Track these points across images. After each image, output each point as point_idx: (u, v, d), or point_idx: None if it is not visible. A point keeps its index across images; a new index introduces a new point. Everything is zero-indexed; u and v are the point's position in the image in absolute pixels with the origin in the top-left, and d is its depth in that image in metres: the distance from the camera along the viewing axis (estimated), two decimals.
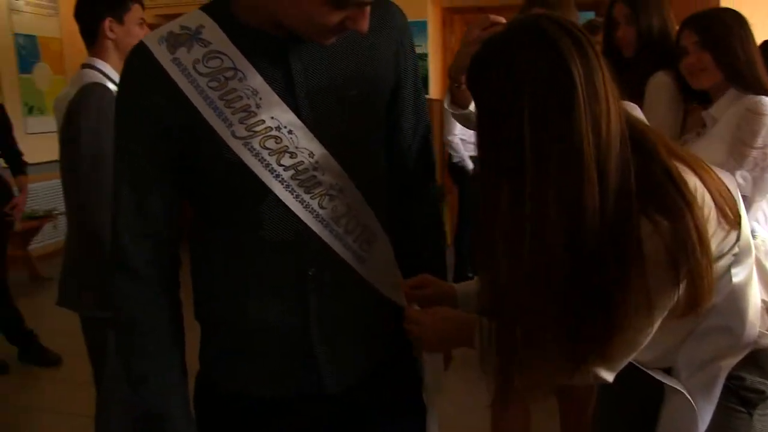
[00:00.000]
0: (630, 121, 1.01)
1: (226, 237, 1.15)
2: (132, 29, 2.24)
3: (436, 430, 1.34)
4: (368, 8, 1.01)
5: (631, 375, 1.16)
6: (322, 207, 1.11)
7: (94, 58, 2.23)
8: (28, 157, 4.19)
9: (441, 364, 1.34)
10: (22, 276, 5.62)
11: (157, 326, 1.13)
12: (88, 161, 2.05)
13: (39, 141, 5.90)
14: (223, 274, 1.16)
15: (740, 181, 1.76)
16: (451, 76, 1.62)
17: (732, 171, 1.75)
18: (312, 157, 1.09)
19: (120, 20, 2.22)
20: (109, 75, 2.19)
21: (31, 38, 6.20)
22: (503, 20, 1.40)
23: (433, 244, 1.38)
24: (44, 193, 5.92)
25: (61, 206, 5.65)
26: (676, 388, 1.18)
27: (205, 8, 1.09)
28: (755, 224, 1.90)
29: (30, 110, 6.14)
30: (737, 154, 1.79)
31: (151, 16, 6.10)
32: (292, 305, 1.13)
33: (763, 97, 1.81)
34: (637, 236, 0.95)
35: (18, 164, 4.02)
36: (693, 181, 1.01)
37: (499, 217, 0.99)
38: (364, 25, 1.01)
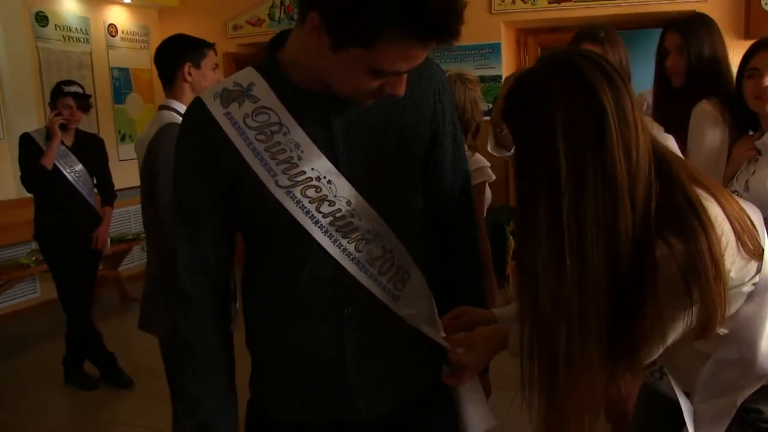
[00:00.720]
0: (656, 148, 1.07)
1: (272, 274, 1.28)
2: (207, 73, 2.48)
3: None
4: (405, 75, 1.11)
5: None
6: (358, 250, 1.22)
7: (172, 100, 2.46)
8: (120, 182, 4.48)
9: (482, 395, 1.40)
10: (113, 297, 6.00)
11: (210, 353, 1.27)
12: (167, 192, 2.23)
13: (130, 167, 6.27)
14: (268, 307, 1.29)
15: None
16: (493, 123, 1.72)
17: None
18: (349, 205, 1.20)
19: (197, 65, 2.46)
20: (179, 111, 2.40)
21: (124, 71, 6.65)
22: None
23: (471, 278, 1.45)
24: (135, 216, 6.24)
25: None
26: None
27: (257, 67, 1.23)
28: None
29: (122, 138, 6.56)
30: None
31: (234, 46, 6.44)
32: (329, 338, 1.25)
33: None
34: (652, 258, 1.01)
35: (109, 196, 4.29)
36: (714, 209, 1.05)
37: (539, 243, 1.05)
38: (401, 90, 1.13)
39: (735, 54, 4.87)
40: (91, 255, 4.12)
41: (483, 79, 5.96)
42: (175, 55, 2.46)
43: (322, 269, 1.22)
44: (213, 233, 1.25)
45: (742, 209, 1.12)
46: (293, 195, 1.18)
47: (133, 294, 5.96)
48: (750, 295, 1.13)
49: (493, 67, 5.96)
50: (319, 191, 1.19)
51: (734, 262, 1.07)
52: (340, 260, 1.21)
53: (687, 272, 1.00)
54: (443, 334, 1.35)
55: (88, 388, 4.08)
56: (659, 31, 2.40)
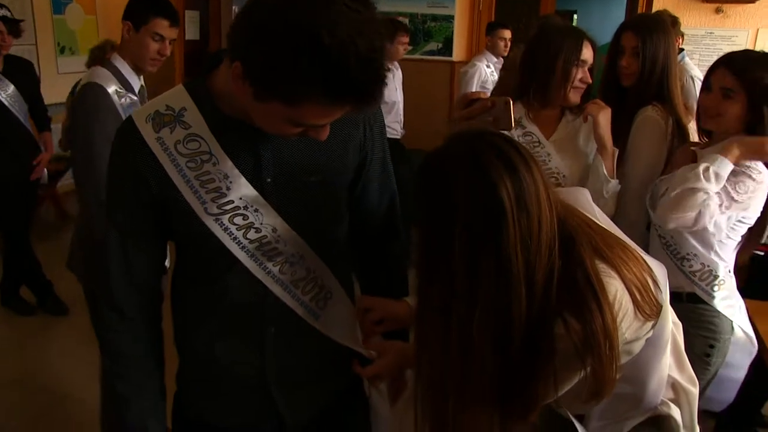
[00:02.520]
0: (562, 221, 1.10)
1: (200, 290, 1.32)
2: (144, 40, 2.34)
3: None
4: (328, 124, 1.13)
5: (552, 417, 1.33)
6: (282, 273, 1.27)
7: (116, 55, 2.39)
8: (60, 96, 4.32)
9: (385, 406, 1.50)
10: (50, 214, 5.91)
11: (140, 358, 1.32)
12: (80, 160, 2.25)
13: (71, 80, 6.06)
14: (195, 319, 1.35)
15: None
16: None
17: None
18: (275, 232, 1.25)
19: (136, 29, 2.34)
20: (123, 73, 2.35)
21: None
22: (481, 94, 1.55)
23: (398, 289, 1.51)
24: None
25: None
26: None
27: (188, 87, 1.23)
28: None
29: (62, 50, 6.29)
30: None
31: None
32: (253, 353, 1.32)
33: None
34: (550, 335, 1.07)
35: (44, 121, 4.18)
36: (613, 286, 1.09)
37: (430, 315, 1.11)
38: (323, 136, 1.14)
39: (690, 13, 4.97)
40: (30, 180, 4.04)
41: (435, 17, 5.91)
42: (127, 9, 2.36)
43: (248, 291, 1.28)
44: (144, 250, 1.29)
45: (646, 270, 1.18)
46: (221, 222, 1.22)
47: (70, 211, 5.89)
48: (646, 342, 1.22)
49: (446, 7, 5.88)
50: (246, 219, 1.23)
51: (630, 326, 1.14)
52: (265, 282, 1.26)
53: (582, 349, 1.07)
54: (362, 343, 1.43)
55: (24, 314, 4.11)
56: None
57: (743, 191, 1.88)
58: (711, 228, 1.92)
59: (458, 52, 6.25)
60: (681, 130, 2.19)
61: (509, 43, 4.99)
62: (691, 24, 5.09)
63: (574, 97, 2.12)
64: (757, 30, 5.05)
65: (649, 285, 1.16)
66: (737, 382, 2.13)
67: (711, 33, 5.12)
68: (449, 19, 5.87)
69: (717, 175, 1.86)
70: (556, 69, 2.07)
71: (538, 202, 1.05)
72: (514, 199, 1.03)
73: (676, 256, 2.05)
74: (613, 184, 2.06)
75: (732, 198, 1.88)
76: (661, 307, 1.19)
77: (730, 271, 2.10)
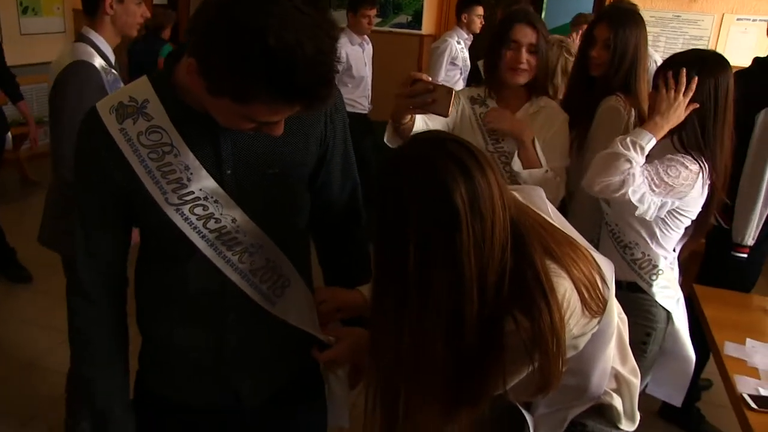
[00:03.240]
0: (515, 222, 1.13)
1: (162, 277, 1.35)
2: (130, 7, 2.38)
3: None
4: (282, 120, 1.15)
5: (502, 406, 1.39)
6: (242, 262, 1.30)
7: (90, 30, 2.35)
8: (23, 58, 4.23)
9: (345, 391, 1.54)
10: (13, 178, 5.82)
11: (105, 340, 1.36)
12: (66, 137, 2.22)
13: (34, 41, 5.94)
14: (157, 304, 1.38)
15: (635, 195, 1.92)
16: (392, 118, 1.84)
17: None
18: (234, 222, 1.27)
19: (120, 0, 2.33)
20: (102, 49, 2.33)
21: None
22: (424, 77, 1.64)
23: (359, 278, 1.53)
24: (38, 95, 5.98)
25: None
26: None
27: (152, 79, 1.25)
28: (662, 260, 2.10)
29: (24, 11, 6.13)
30: (648, 176, 1.94)
31: None
32: (212, 338, 1.35)
33: (691, 158, 1.94)
34: (501, 331, 1.11)
35: (16, 91, 4.09)
36: (562, 285, 1.13)
37: (385, 313, 1.15)
38: (278, 132, 1.16)
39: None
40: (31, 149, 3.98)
41: None
42: None
43: (208, 279, 1.30)
44: (109, 237, 1.32)
45: (594, 268, 1.22)
46: (182, 212, 1.24)
47: (33, 176, 5.82)
48: (591, 336, 1.27)
49: None
50: (207, 209, 1.25)
51: (577, 323, 1.19)
52: (224, 270, 1.29)
53: (530, 346, 1.11)
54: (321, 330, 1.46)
55: None
56: None
57: (674, 174, 1.92)
58: (642, 207, 1.96)
59: (428, 26, 6.24)
60: (642, 122, 2.23)
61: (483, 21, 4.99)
62: (660, 6, 5.13)
63: (512, 78, 2.16)
64: (722, 15, 5.11)
65: (596, 282, 1.21)
66: (686, 374, 2.23)
67: (678, 16, 5.16)
68: None
69: (636, 145, 1.91)
70: (493, 51, 2.17)
71: (493, 206, 1.08)
72: (468, 205, 1.05)
73: (619, 243, 2.12)
74: (524, 175, 2.10)
75: (663, 180, 1.93)
76: (607, 302, 1.24)
77: (671, 264, 2.17)
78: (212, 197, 1.25)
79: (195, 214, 1.24)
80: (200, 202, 1.24)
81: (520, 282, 1.10)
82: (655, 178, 1.93)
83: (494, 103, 2.24)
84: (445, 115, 1.64)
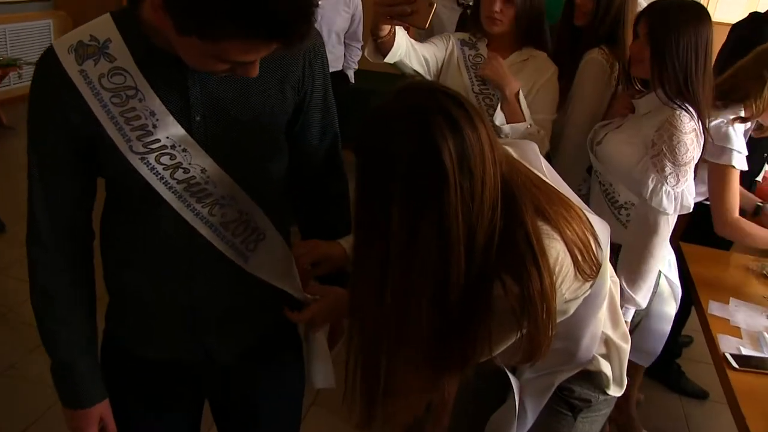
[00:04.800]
0: (506, 180, 1.06)
1: (128, 228, 1.27)
2: None
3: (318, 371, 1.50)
4: (257, 59, 1.05)
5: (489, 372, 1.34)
6: (212, 214, 1.22)
7: None
8: None
9: (325, 345, 1.48)
10: None
11: (64, 292, 1.27)
12: None
13: None
14: (123, 257, 1.30)
15: (665, 202, 1.85)
16: (371, 30, 1.78)
17: (645, 179, 1.85)
18: (204, 173, 1.19)
19: None
20: None
21: None
22: None
23: (341, 230, 1.47)
24: (10, 35, 5.78)
25: (27, 56, 5.57)
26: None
27: (115, 17, 1.14)
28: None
29: None
30: (659, 165, 1.85)
31: None
32: (181, 291, 1.28)
33: (683, 112, 1.85)
34: (488, 295, 1.06)
35: None
36: (554, 248, 1.08)
37: (367, 273, 1.08)
38: (253, 73, 1.07)
39: None
40: None
41: None
42: None
43: (176, 230, 1.22)
44: (67, 184, 1.22)
45: (588, 229, 1.17)
46: (147, 161, 1.15)
47: (8, 122, 5.65)
48: (583, 300, 1.22)
49: None
50: (174, 159, 1.17)
51: (570, 287, 1.14)
52: (192, 223, 1.21)
53: (519, 312, 1.06)
54: (299, 285, 1.40)
55: None
56: None
57: (684, 150, 1.85)
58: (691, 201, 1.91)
59: None
60: (628, 76, 2.15)
61: None
62: None
63: (488, 27, 2.13)
64: None
65: (590, 244, 1.15)
66: (663, 334, 2.19)
67: None
68: None
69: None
70: None
71: (483, 163, 1.01)
72: (456, 162, 0.99)
73: (614, 204, 2.05)
74: (506, 129, 2.05)
75: (680, 164, 1.85)
76: (601, 266, 1.19)
77: None
78: (180, 145, 1.16)
79: (161, 164, 1.16)
80: (167, 151, 1.16)
81: (510, 244, 1.04)
82: (673, 173, 1.85)
83: (484, 47, 2.20)
84: (423, 27, 1.58)
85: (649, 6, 1.98)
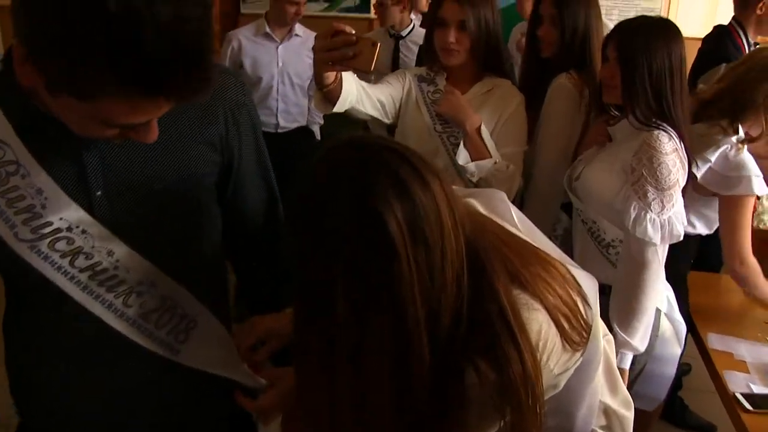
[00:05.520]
0: (471, 244, 0.89)
1: (31, 328, 1.10)
2: None
3: None
4: (153, 121, 0.88)
5: None
6: (127, 305, 1.04)
7: None
8: None
9: None
10: None
11: None
12: None
13: None
14: (29, 351, 1.12)
15: (650, 231, 1.69)
16: (315, 79, 1.66)
17: (627, 208, 1.70)
18: (112, 257, 1.01)
19: None
20: None
21: None
22: (347, 29, 1.45)
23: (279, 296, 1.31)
24: None
25: None
26: None
27: None
28: None
29: None
30: (640, 191, 1.70)
31: None
32: (103, 392, 1.10)
33: (661, 132, 1.71)
34: (461, 384, 0.88)
35: None
36: (538, 321, 0.92)
37: (310, 365, 0.91)
38: (150, 137, 0.89)
39: None
40: None
41: None
42: None
43: (86, 330, 1.04)
44: None
45: (574, 287, 1.00)
46: (39, 250, 0.97)
47: None
48: (574, 370, 1.04)
49: None
50: (72, 243, 0.98)
51: (558, 361, 0.97)
52: (104, 318, 1.03)
53: (499, 401, 0.88)
54: (249, 371, 1.22)
55: None
56: None
57: (666, 172, 1.69)
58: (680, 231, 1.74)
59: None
60: (599, 101, 2.00)
61: None
62: None
63: (444, 58, 1.99)
64: None
65: (578, 307, 0.98)
66: (669, 377, 2.00)
67: None
68: None
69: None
70: (428, 31, 2.04)
71: (440, 228, 0.84)
72: (407, 231, 0.81)
73: (601, 243, 1.89)
74: (471, 167, 1.91)
75: (664, 188, 1.69)
76: (592, 328, 1.01)
77: None
78: (78, 227, 0.98)
79: (57, 251, 0.97)
80: (63, 235, 0.97)
81: (482, 322, 0.87)
82: (657, 199, 1.69)
83: (443, 81, 2.06)
84: (368, 71, 1.45)
85: (617, 27, 1.85)
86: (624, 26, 1.83)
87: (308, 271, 0.88)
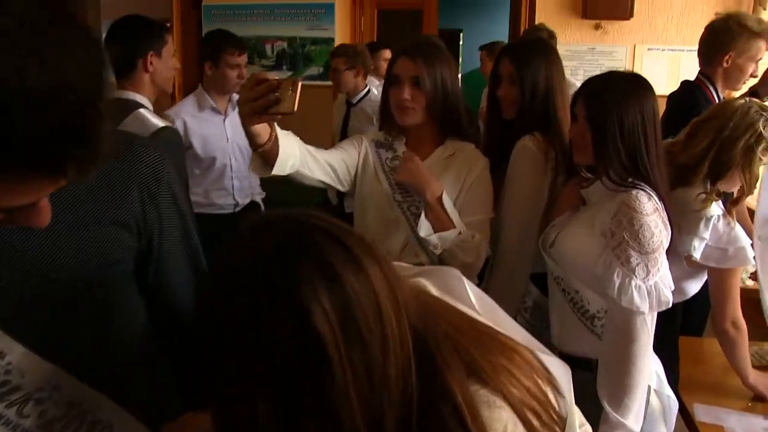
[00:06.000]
0: (420, 335, 0.78)
1: None
2: (168, 61, 2.34)
3: None
4: (43, 202, 0.75)
5: None
6: (22, 416, 0.89)
7: (129, 92, 2.24)
8: None
9: None
10: None
11: None
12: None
13: None
14: None
15: (637, 299, 1.57)
16: (249, 142, 1.56)
17: (609, 275, 1.58)
18: (2, 359, 0.87)
19: (159, 54, 2.29)
20: (147, 107, 2.25)
21: None
22: (269, 76, 1.44)
23: None
24: None
25: None
26: None
27: None
28: None
29: None
30: (622, 256, 1.59)
31: None
32: None
33: (639, 191, 1.60)
34: None
35: None
36: (502, 421, 0.80)
37: None
38: (40, 221, 0.76)
39: (572, 30, 4.97)
40: None
41: (315, 41, 5.65)
42: (137, 44, 2.26)
43: None
44: None
45: (542, 375, 0.88)
46: None
47: None
48: None
49: (326, 29, 5.60)
50: None
51: None
52: None
53: None
54: None
55: None
56: None
57: (649, 234, 1.59)
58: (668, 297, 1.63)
59: None
60: (568, 162, 1.92)
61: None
62: (574, 40, 5.07)
63: (399, 117, 1.90)
64: (634, 46, 5.09)
65: (548, 399, 0.86)
66: None
67: (593, 49, 5.12)
68: (329, 41, 5.52)
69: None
70: (384, 91, 1.97)
71: (379, 320, 0.72)
72: (338, 326, 0.70)
73: (584, 315, 1.75)
74: (434, 240, 1.80)
75: (647, 251, 1.59)
76: (566, 420, 0.89)
77: None
78: None
79: None
80: None
81: (435, 425, 0.74)
82: (641, 264, 1.58)
83: (402, 146, 1.95)
84: (291, 112, 1.41)
85: (584, 84, 1.77)
86: (592, 82, 1.74)
87: (225, 374, 0.74)
